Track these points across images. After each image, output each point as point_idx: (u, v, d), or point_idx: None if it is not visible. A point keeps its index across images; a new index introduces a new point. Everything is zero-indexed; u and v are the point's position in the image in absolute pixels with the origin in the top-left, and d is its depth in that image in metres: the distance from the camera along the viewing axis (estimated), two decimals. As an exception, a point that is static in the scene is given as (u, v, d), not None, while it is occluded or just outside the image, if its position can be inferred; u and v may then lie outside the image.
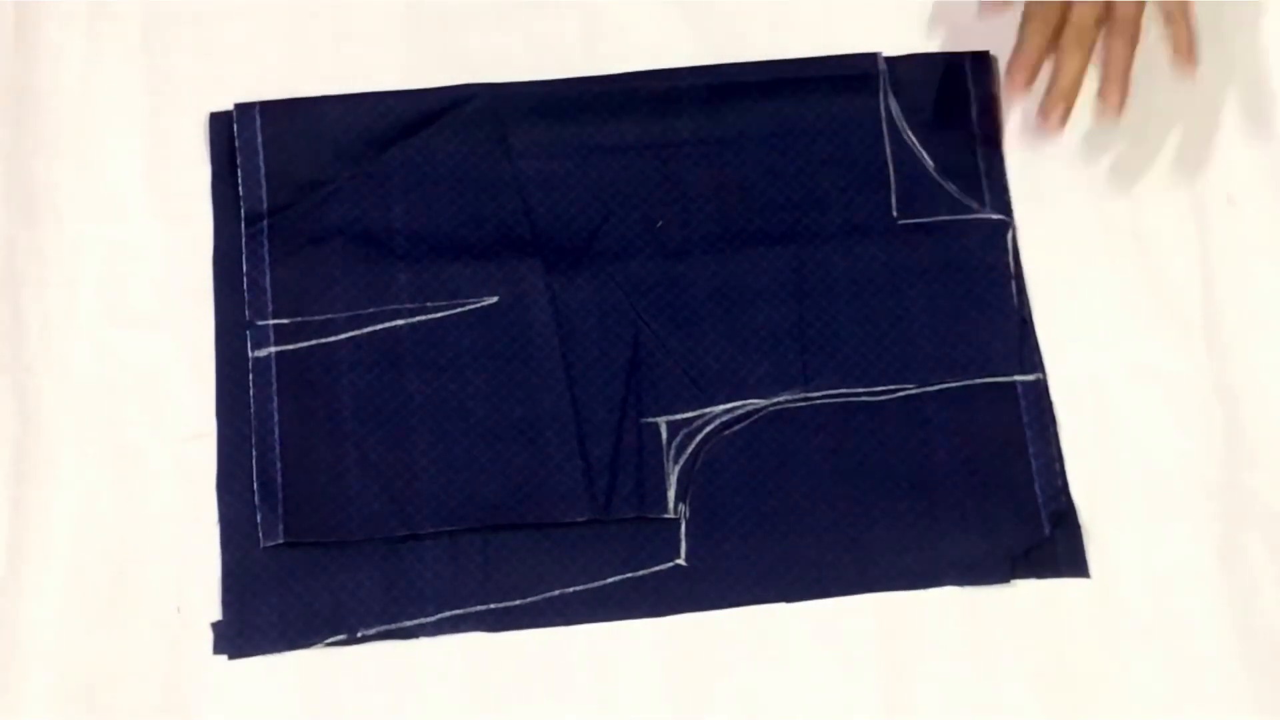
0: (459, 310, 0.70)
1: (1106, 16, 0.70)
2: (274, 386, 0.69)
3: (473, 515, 0.67)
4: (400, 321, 0.70)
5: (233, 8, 0.76)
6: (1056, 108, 0.70)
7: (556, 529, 0.68)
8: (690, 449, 0.69)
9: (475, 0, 0.76)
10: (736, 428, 0.69)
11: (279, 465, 0.68)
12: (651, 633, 0.66)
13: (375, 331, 0.70)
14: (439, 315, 0.70)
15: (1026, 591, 0.67)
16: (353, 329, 0.70)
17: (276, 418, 0.68)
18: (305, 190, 0.71)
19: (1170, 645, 0.66)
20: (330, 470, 0.68)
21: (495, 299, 0.71)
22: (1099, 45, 0.70)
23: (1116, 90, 0.70)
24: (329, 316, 0.70)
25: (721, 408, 0.70)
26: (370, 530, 0.67)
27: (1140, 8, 0.70)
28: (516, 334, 0.70)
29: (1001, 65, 0.75)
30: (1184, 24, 0.71)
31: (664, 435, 0.69)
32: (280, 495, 0.67)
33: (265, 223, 0.71)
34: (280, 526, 0.66)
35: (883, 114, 0.75)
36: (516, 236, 0.72)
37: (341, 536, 0.67)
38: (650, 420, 0.69)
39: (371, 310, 0.70)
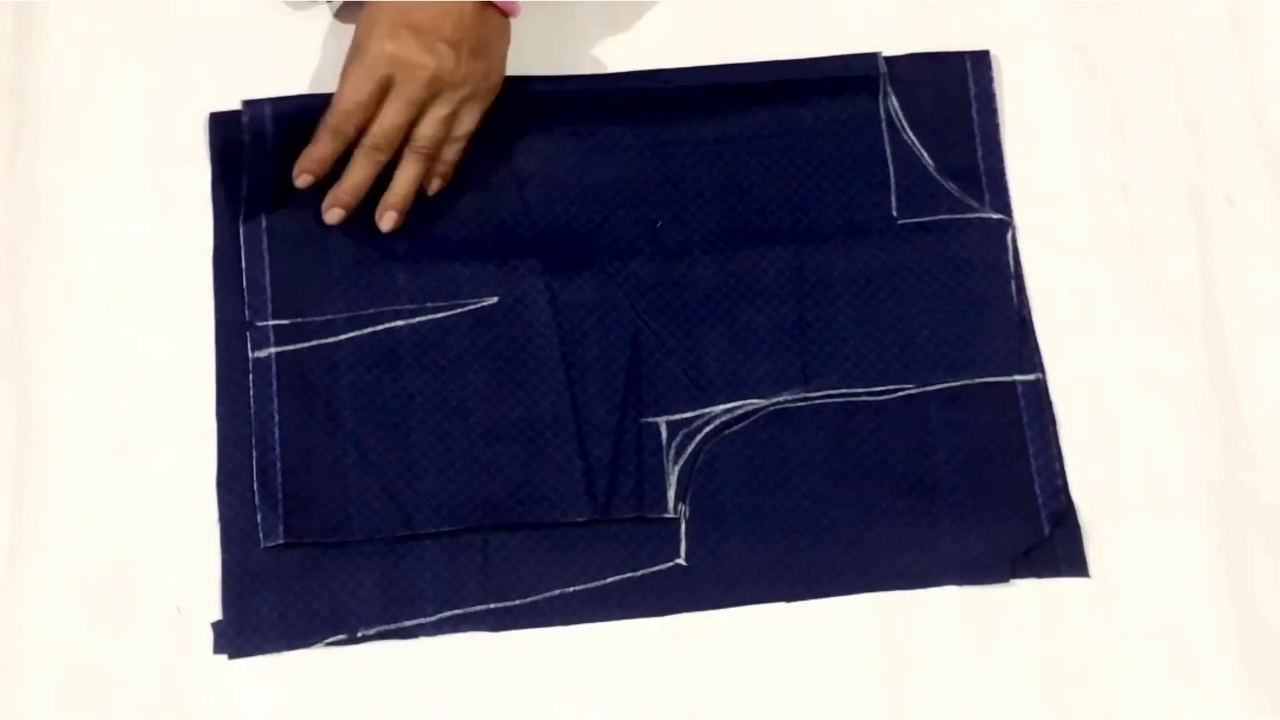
0: (459, 310, 0.70)
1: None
2: (274, 387, 0.69)
3: (473, 515, 0.67)
4: (400, 322, 0.70)
5: (233, 8, 0.76)
6: (334, 207, 0.70)
7: (556, 529, 0.68)
8: (690, 449, 0.69)
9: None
10: (736, 428, 0.69)
11: (279, 465, 0.67)
12: (651, 633, 0.66)
13: (375, 332, 0.70)
14: (439, 315, 0.70)
15: (1026, 591, 0.67)
16: (353, 329, 0.70)
17: (277, 418, 0.68)
18: (306, 190, 0.71)
19: (1170, 645, 0.66)
20: (330, 470, 0.68)
21: (495, 299, 0.71)
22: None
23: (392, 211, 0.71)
24: (329, 317, 0.70)
25: (721, 408, 0.70)
26: (370, 530, 0.67)
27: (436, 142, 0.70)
28: (516, 334, 0.70)
29: (1001, 65, 0.75)
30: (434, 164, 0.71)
31: (664, 435, 0.69)
32: (280, 495, 0.67)
33: (265, 222, 0.71)
34: (280, 527, 0.66)
35: (883, 114, 0.75)
36: (515, 236, 0.72)
37: (342, 537, 0.67)
38: (650, 420, 0.69)
39: (371, 311, 0.70)
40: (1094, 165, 0.74)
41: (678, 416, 0.69)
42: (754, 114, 0.74)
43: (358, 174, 0.70)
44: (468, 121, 0.70)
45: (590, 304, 0.71)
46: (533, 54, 0.75)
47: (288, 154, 0.71)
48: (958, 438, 0.69)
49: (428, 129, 0.69)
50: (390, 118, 0.68)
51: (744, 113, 0.74)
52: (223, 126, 0.73)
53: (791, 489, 0.68)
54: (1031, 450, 0.69)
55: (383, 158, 0.69)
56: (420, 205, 0.72)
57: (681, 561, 0.67)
